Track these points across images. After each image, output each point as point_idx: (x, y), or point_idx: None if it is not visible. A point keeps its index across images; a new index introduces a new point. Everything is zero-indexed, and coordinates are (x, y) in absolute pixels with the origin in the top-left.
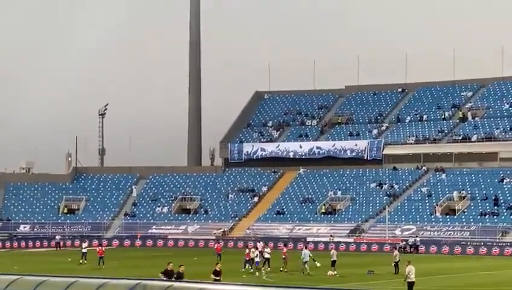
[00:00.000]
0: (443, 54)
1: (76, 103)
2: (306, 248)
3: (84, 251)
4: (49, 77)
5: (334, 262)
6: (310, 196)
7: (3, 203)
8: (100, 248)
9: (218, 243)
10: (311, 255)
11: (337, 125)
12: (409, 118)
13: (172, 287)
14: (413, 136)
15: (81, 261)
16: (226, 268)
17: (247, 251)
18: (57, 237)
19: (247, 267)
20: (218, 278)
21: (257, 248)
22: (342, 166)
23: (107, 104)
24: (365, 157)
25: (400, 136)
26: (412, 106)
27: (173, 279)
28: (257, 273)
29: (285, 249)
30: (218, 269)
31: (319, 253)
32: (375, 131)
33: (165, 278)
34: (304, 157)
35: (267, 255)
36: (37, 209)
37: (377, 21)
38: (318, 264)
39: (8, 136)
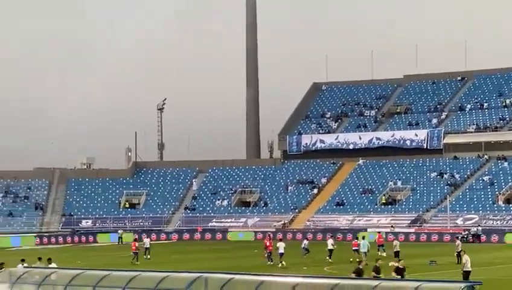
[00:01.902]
0: (503, 40)
1: (135, 98)
2: (364, 238)
3: (146, 245)
4: (108, 72)
5: (397, 253)
6: (369, 187)
7: (65, 198)
8: (134, 243)
9: (270, 239)
10: (369, 245)
11: (396, 115)
12: (469, 106)
13: (234, 280)
14: (473, 124)
15: (144, 256)
16: (285, 260)
17: (268, 243)
18: (119, 231)
19: (273, 261)
20: (379, 275)
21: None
22: (401, 156)
23: (165, 99)
24: (425, 147)
25: (460, 125)
26: (472, 94)
27: (398, 275)
28: (280, 265)
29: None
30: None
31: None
32: (434, 120)
33: (378, 275)
34: (363, 148)
35: (330, 247)
36: (99, 204)
37: (435, 9)
38: (384, 254)
39: (69, 132)
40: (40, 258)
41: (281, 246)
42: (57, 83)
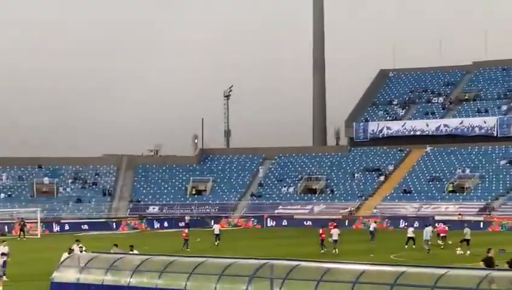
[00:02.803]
0: None
1: (202, 85)
2: (427, 226)
3: (216, 232)
4: (175, 60)
5: (467, 241)
6: (437, 174)
7: (133, 185)
8: (184, 230)
9: (336, 225)
10: (431, 234)
11: (464, 102)
12: None
13: (299, 267)
14: None
15: (216, 243)
16: (351, 248)
17: (320, 231)
18: (186, 217)
19: (326, 248)
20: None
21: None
22: (470, 143)
23: (231, 86)
24: (494, 134)
25: None
26: None
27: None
28: (334, 251)
29: (445, 227)
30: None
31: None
32: (504, 107)
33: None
34: (430, 135)
35: (410, 234)
36: (165, 191)
37: None
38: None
39: (136, 119)
40: (116, 245)
41: (335, 233)
42: (125, 71)
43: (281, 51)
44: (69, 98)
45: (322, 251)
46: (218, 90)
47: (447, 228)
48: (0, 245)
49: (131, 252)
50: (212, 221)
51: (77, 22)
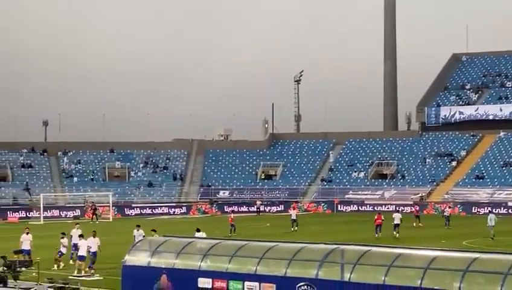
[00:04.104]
0: None
1: (272, 70)
2: (491, 212)
3: (293, 217)
4: (245, 45)
5: None
6: (511, 160)
7: (203, 169)
8: (230, 215)
9: (380, 214)
10: (496, 219)
11: None
12: None
13: (370, 252)
14: None
15: (292, 228)
16: (422, 233)
17: (375, 217)
18: (257, 202)
19: (378, 234)
20: None
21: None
22: None
23: (302, 71)
24: None
25: None
26: None
27: None
28: (395, 235)
29: None
30: None
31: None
32: None
33: None
34: (503, 119)
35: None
36: (236, 175)
37: None
38: None
39: (206, 103)
40: (154, 230)
41: (397, 217)
42: (196, 56)
43: (351, 34)
44: (139, 82)
45: (377, 235)
46: (288, 75)
47: None
48: (73, 228)
49: (197, 234)
50: (282, 206)
51: (149, 13)
